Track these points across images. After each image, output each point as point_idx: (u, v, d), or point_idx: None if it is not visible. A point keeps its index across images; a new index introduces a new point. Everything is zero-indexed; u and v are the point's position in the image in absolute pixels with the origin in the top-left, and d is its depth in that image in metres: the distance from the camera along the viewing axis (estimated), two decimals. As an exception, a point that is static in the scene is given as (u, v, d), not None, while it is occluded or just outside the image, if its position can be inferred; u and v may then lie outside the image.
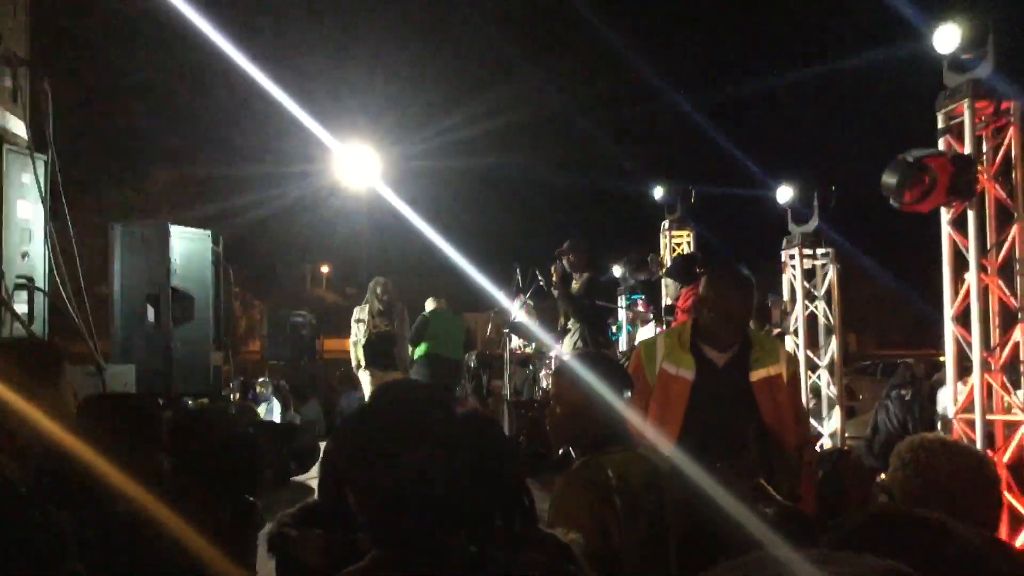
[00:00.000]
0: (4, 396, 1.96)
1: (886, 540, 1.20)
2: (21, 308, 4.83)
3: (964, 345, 4.86)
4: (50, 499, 1.96)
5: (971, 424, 4.76)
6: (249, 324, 27.31)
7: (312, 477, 8.07)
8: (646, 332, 9.91)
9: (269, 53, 17.41)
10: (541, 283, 8.83)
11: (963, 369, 5.01)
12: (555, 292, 7.84)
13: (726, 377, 3.16)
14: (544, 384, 10.14)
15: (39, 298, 4.93)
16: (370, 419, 1.48)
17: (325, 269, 36.82)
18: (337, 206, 22.40)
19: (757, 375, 3.14)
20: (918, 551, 1.18)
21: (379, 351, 9.16)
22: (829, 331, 7.43)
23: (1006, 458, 4.58)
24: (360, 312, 9.38)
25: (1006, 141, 4.74)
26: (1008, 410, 4.69)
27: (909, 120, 7.47)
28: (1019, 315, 4.69)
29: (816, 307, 7.43)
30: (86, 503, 2.13)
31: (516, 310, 9.44)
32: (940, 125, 4.96)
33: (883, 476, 2.30)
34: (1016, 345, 4.69)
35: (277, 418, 11.61)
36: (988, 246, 4.78)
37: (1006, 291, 4.75)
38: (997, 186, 4.78)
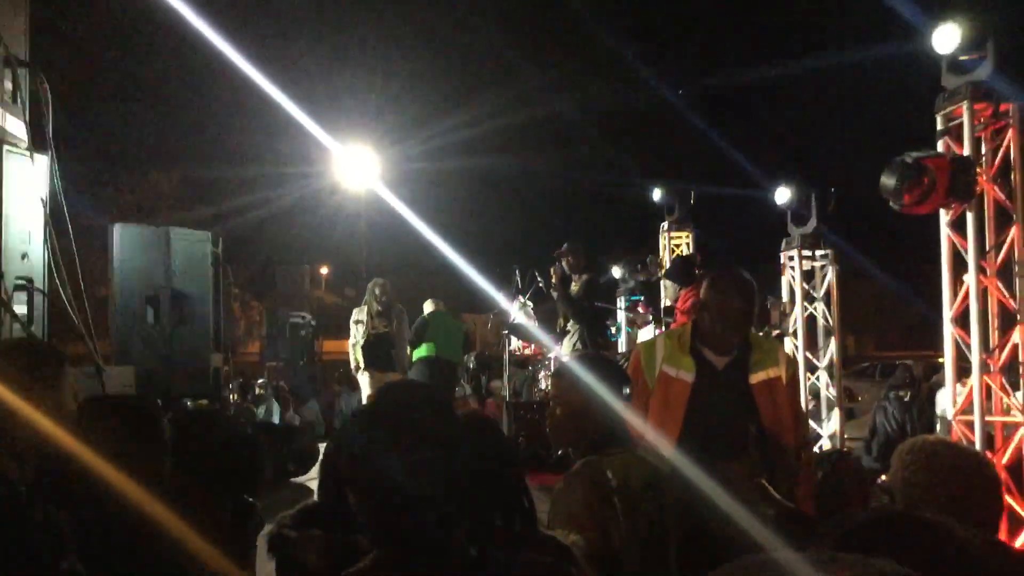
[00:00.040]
0: (4, 397, 1.96)
1: (887, 541, 1.21)
2: (21, 309, 4.81)
3: (963, 347, 4.87)
4: (50, 499, 1.96)
5: (970, 425, 4.76)
6: (248, 325, 27.33)
7: (312, 478, 8.06)
8: (645, 334, 9.91)
9: (269, 55, 17.46)
10: (540, 284, 8.84)
11: (962, 371, 5.02)
12: (554, 294, 7.85)
13: (726, 379, 3.15)
14: (543, 385, 10.14)
15: (39, 299, 4.91)
16: (370, 420, 1.48)
17: (324, 270, 36.82)
18: (336, 207, 22.40)
19: (757, 378, 3.13)
20: (919, 552, 1.18)
21: (378, 352, 9.13)
22: (828, 333, 7.43)
23: (1005, 459, 4.59)
24: (359, 313, 9.36)
25: (1005, 143, 4.75)
26: (1007, 412, 4.70)
27: (908, 121, 7.49)
28: (1018, 317, 4.69)
29: (815, 309, 7.44)
30: (86, 503, 2.13)
31: (515, 311, 9.44)
32: (939, 127, 4.98)
33: (883, 477, 2.30)
34: (1015, 347, 4.70)
35: (276, 419, 11.61)
36: (987, 248, 4.79)
37: (1005, 293, 4.75)
38: (996, 188, 4.79)
